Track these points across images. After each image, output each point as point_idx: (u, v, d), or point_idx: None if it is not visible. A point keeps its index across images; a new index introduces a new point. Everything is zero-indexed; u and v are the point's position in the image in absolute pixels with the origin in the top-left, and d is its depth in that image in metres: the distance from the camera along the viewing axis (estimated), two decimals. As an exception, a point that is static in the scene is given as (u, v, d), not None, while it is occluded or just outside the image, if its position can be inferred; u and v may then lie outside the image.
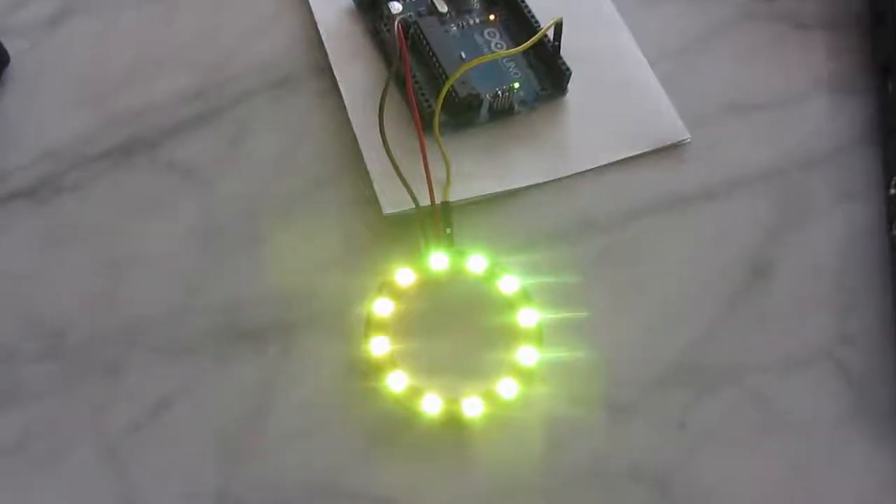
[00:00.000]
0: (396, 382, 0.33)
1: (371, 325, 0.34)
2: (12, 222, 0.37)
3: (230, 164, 0.38)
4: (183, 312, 0.35)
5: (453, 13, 0.41)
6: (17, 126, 0.39)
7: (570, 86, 0.38)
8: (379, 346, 0.33)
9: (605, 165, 0.38)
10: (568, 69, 0.38)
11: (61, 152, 0.38)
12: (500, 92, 0.38)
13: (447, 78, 0.37)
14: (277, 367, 0.34)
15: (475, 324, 0.35)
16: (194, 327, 0.35)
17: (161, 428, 0.33)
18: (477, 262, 0.35)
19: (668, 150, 0.39)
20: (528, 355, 0.33)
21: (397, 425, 0.33)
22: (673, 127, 0.39)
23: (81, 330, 0.34)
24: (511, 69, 0.39)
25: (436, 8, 0.40)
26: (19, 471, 0.32)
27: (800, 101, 0.41)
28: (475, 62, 0.37)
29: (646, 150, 0.38)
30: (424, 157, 0.35)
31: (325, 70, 0.40)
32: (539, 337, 0.34)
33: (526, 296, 0.34)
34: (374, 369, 0.33)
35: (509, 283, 0.35)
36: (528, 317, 0.34)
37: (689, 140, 0.39)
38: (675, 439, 0.33)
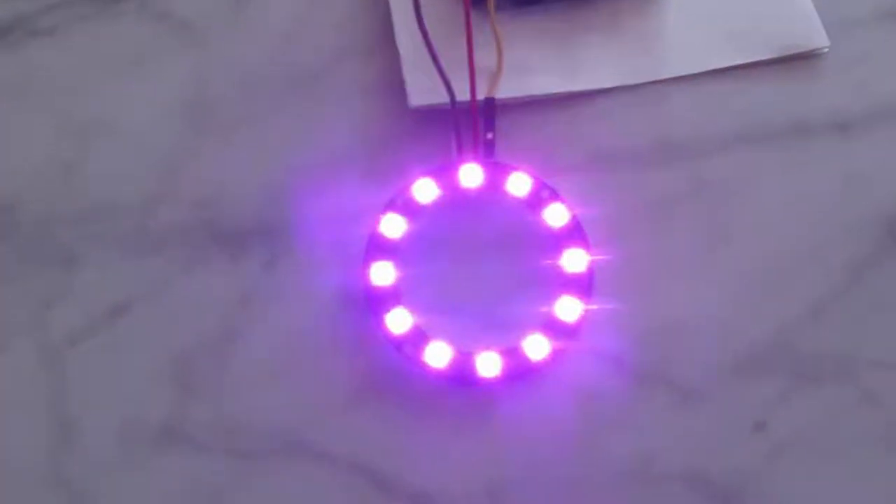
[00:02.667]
0: (398, 322, 0.27)
1: (375, 247, 0.28)
2: (-24, 66, 0.32)
3: (232, 24, 0.32)
4: (154, 200, 0.30)
5: None
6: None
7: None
8: (381, 274, 0.28)
9: (707, 72, 0.31)
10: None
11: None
12: (582, -38, 0.31)
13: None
14: (256, 282, 0.29)
15: (507, 260, 0.29)
16: (165, 220, 0.30)
17: (112, 338, 0.28)
18: (521, 182, 0.28)
19: (797, 62, 0.32)
20: (569, 308, 0.27)
21: (392, 376, 0.28)
22: (809, 30, 0.32)
23: (36, 207, 0.30)
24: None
25: None
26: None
27: None
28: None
29: (767, 56, 0.31)
30: (469, 38, 0.28)
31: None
32: (588, 286, 0.28)
33: (578, 231, 0.28)
34: (372, 302, 0.28)
35: (558, 213, 0.28)
36: (577, 258, 0.28)
37: (826, 50, 0.32)
38: (748, 442, 0.27)
